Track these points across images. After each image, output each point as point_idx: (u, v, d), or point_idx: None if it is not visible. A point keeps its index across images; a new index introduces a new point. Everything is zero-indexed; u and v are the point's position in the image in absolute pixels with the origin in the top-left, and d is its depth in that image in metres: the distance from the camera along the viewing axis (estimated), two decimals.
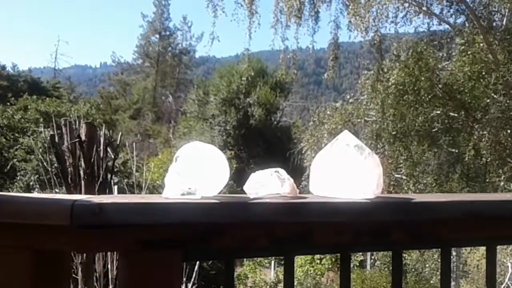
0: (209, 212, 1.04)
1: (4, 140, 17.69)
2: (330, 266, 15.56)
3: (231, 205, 1.08)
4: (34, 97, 22.62)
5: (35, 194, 1.06)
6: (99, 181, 3.24)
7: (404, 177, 11.84)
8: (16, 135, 17.92)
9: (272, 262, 18.14)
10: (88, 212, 0.95)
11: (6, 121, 18.79)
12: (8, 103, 22.66)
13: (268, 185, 1.16)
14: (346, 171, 1.20)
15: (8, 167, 15.54)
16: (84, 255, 3.06)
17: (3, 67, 36.07)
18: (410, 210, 1.20)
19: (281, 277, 16.97)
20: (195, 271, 3.67)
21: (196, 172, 1.09)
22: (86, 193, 3.20)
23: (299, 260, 16.09)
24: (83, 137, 3.21)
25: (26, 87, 31.65)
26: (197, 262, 3.71)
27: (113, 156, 3.41)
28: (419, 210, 1.21)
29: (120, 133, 3.78)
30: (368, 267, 16.22)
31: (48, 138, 3.29)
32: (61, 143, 3.24)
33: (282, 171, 1.19)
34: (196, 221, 1.03)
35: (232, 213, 1.06)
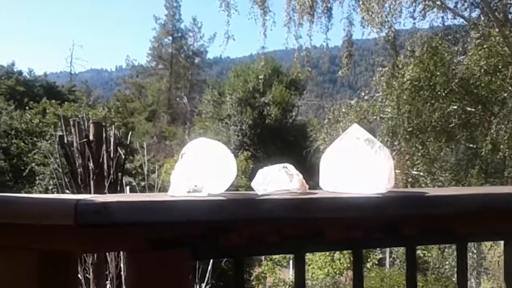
0: (216, 210, 1.02)
1: (23, 144, 17.89)
2: (349, 265, 15.46)
3: (238, 202, 1.06)
4: (53, 101, 22.86)
5: (40, 195, 1.05)
6: (109, 181, 3.25)
7: (421, 174, 11.73)
8: (35, 139, 18.11)
9: (291, 261, 18.09)
10: (92, 211, 0.93)
11: (25, 126, 19.01)
12: (27, 108, 22.93)
13: (276, 181, 1.13)
14: (356, 166, 1.17)
15: (27, 171, 15.72)
16: (95, 256, 3.07)
17: (20, 73, 36.52)
18: (423, 204, 1.17)
19: None
20: (208, 271, 3.65)
21: (202, 169, 1.07)
22: (95, 193, 3.20)
23: (319, 262, 16.03)
24: (91, 137, 3.22)
25: (42, 91, 32.00)
26: (210, 262, 3.70)
27: (123, 156, 3.41)
28: (432, 204, 1.18)
29: (130, 133, 3.78)
30: (387, 265, 16.09)
31: (57, 139, 3.31)
32: (70, 144, 3.26)
33: (290, 167, 1.16)
34: (203, 218, 1.01)
35: (240, 210, 1.04)
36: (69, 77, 43.83)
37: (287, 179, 1.14)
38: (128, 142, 3.66)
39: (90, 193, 3.21)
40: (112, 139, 3.28)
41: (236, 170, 1.13)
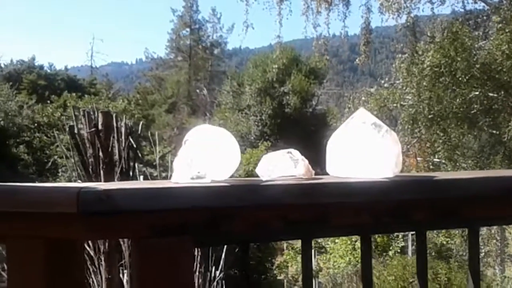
0: (219, 196, 1.01)
1: (45, 137, 18.15)
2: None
3: (242, 188, 1.05)
4: (73, 94, 23.13)
5: (45, 184, 1.06)
6: (119, 170, 3.27)
7: (443, 161, 11.59)
8: (56, 132, 18.36)
9: (313, 250, 18.11)
10: (94, 199, 0.93)
11: (46, 119, 19.28)
12: (48, 101, 23.25)
13: (280, 166, 1.12)
14: (363, 150, 1.15)
15: (50, 163, 15.97)
16: (107, 244, 3.10)
17: (41, 67, 37.01)
18: (432, 188, 1.14)
19: (322, 265, 17.01)
20: (222, 258, 3.67)
21: (205, 156, 1.07)
22: (105, 182, 3.23)
23: (340, 251, 16.02)
24: (99, 127, 3.24)
25: (63, 85, 32.39)
26: (224, 249, 3.71)
27: (135, 146, 3.43)
28: (442, 188, 1.16)
29: (141, 122, 3.80)
30: (410, 253, 15.99)
31: (67, 129, 3.34)
32: (81, 134, 3.29)
33: (295, 152, 1.15)
34: (206, 205, 1.01)
35: (243, 196, 1.03)
36: (90, 71, 44.29)
37: (292, 164, 1.12)
38: (139, 133, 3.68)
39: (100, 182, 3.24)
40: (123, 129, 3.30)
41: (240, 157, 1.12)
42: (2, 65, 35.34)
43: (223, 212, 1.03)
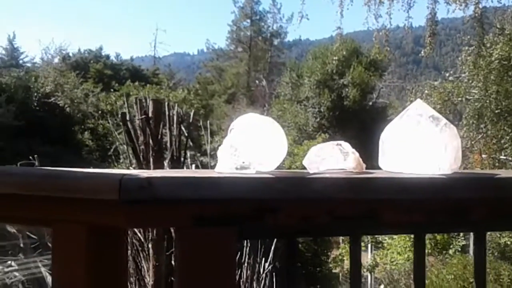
0: (264, 188, 0.97)
1: (108, 125, 18.74)
2: (430, 251, 15.00)
3: (288, 180, 1.01)
4: (136, 83, 23.76)
5: (89, 169, 1.06)
6: (170, 158, 3.29)
7: (509, 158, 11.10)
8: (119, 120, 18.95)
9: (369, 245, 17.84)
10: (136, 186, 0.92)
11: (110, 107, 19.89)
12: (112, 90, 24.01)
13: (329, 159, 1.07)
14: (419, 144, 1.08)
15: (112, 150, 16.46)
16: (154, 232, 3.13)
17: (107, 57, 38.18)
18: (493, 187, 1.06)
19: (378, 260, 16.73)
20: (271, 250, 3.63)
21: (251, 146, 1.03)
22: (154, 169, 3.25)
23: (398, 247, 15.68)
24: (150, 114, 3.27)
25: (128, 75, 33.30)
26: (274, 242, 3.68)
27: (186, 134, 3.44)
28: (503, 186, 1.07)
29: (193, 111, 3.81)
30: (471, 252, 15.45)
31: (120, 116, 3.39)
32: (133, 121, 3.34)
33: (345, 144, 1.09)
34: (250, 197, 0.97)
35: (289, 189, 0.98)
36: (153, 61, 45.32)
37: (341, 157, 1.07)
38: (191, 121, 3.70)
39: (150, 170, 3.27)
40: (175, 117, 3.32)
41: (287, 148, 1.08)
42: (70, 54, 36.68)
43: (267, 204, 0.99)
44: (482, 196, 1.06)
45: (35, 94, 21.60)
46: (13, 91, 20.66)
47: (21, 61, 33.42)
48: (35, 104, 21.30)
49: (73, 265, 1.01)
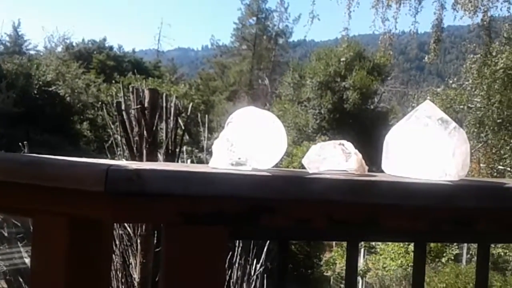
0: (259, 186, 0.91)
1: (107, 116, 18.65)
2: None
3: (285, 179, 0.95)
4: (138, 76, 23.66)
5: (74, 158, 0.99)
6: (164, 151, 3.21)
7: (508, 169, 11.05)
8: (115, 110, 18.87)
9: (362, 249, 17.80)
10: (123, 178, 0.86)
11: (110, 99, 19.80)
12: (114, 81, 23.91)
13: (330, 159, 1.01)
14: (425, 148, 1.02)
15: (110, 142, 16.41)
16: (143, 228, 3.06)
17: (111, 48, 38.07)
18: (502, 197, 1.00)
19: (370, 265, 16.69)
20: (264, 252, 3.57)
21: (248, 141, 0.97)
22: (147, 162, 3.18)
23: (391, 253, 15.65)
24: (145, 104, 3.19)
25: (130, 67, 33.21)
26: (267, 243, 3.61)
27: (183, 127, 3.37)
28: None
29: (191, 104, 3.74)
30: (464, 261, 15.40)
31: (115, 105, 3.32)
32: (128, 111, 3.26)
33: (348, 144, 1.03)
34: (244, 195, 0.91)
35: (286, 189, 0.92)
36: (156, 55, 45.20)
37: (343, 157, 1.01)
38: (187, 114, 3.62)
39: (142, 161, 3.18)
40: (172, 110, 3.24)
41: (286, 145, 1.02)
42: (74, 44, 36.57)
43: (262, 204, 0.93)
44: (489, 206, 1.00)
45: (36, 82, 21.50)
46: (14, 78, 20.57)
47: (24, 49, 33.32)
48: (36, 92, 21.20)
49: (53, 259, 0.95)
